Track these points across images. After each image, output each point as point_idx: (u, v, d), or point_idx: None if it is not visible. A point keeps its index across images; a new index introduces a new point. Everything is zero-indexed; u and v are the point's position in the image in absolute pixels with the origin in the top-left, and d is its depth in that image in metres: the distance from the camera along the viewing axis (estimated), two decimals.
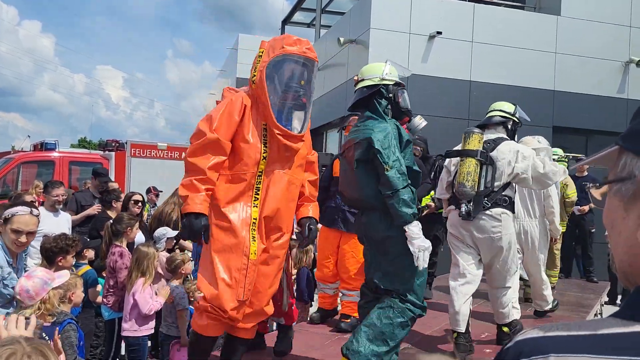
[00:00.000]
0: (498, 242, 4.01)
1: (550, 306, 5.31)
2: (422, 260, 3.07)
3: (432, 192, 5.35)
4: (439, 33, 10.60)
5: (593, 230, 8.20)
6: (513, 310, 4.21)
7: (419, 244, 3.07)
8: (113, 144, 12.66)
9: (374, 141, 3.12)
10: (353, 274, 4.70)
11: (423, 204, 5.22)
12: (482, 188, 3.96)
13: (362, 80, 3.50)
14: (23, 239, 3.32)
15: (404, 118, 3.53)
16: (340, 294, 5.02)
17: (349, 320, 4.72)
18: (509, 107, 4.42)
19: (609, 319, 0.68)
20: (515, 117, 4.35)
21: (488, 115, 4.45)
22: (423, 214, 5.08)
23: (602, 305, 7.01)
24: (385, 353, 3.05)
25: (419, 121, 4.69)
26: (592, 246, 8.50)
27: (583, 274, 8.51)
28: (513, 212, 4.14)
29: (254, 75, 3.20)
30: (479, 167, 3.94)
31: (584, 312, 5.93)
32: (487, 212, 3.98)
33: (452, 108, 10.25)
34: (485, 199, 3.98)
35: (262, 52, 3.23)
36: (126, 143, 12.67)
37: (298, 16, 18.75)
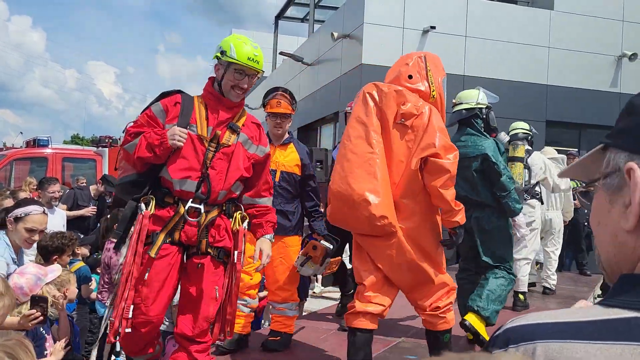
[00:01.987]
0: (532, 224, 5.58)
1: (554, 284, 6.61)
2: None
3: None
4: (433, 28, 10.60)
5: (587, 224, 8.25)
6: (526, 280, 5.73)
7: (523, 232, 4.50)
8: (106, 140, 12.63)
9: (490, 157, 4.09)
10: (283, 284, 4.07)
11: None
12: (524, 185, 5.30)
13: (460, 103, 4.37)
14: (36, 237, 3.41)
15: (492, 134, 4.36)
16: (269, 307, 4.38)
17: (279, 339, 4.06)
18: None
19: (595, 306, 0.69)
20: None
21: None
22: None
23: (595, 298, 7.06)
24: (499, 310, 4.11)
25: (504, 136, 5.49)
26: (586, 240, 8.56)
27: (576, 267, 8.56)
28: (542, 202, 5.92)
29: (434, 90, 3.36)
30: (522, 170, 5.07)
31: None
32: (527, 202, 5.50)
33: (446, 102, 10.24)
34: (525, 193, 5.43)
35: (429, 67, 3.41)
36: (119, 139, 12.63)
37: (292, 11, 18.70)
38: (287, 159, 4.03)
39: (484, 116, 4.31)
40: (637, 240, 0.69)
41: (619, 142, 0.73)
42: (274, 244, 3.44)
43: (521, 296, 5.59)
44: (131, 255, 2.77)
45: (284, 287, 4.06)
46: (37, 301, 2.83)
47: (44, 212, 3.48)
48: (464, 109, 4.31)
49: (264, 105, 4.11)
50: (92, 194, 6.91)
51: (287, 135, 4.14)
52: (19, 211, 3.34)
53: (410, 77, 3.28)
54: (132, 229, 2.88)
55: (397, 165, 3.09)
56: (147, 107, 3.00)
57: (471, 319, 3.93)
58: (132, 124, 3.01)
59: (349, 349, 3.20)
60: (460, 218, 3.22)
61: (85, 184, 7.93)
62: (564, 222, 6.84)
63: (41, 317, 2.79)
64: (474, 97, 4.33)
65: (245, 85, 2.90)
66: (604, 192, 0.74)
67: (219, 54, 2.91)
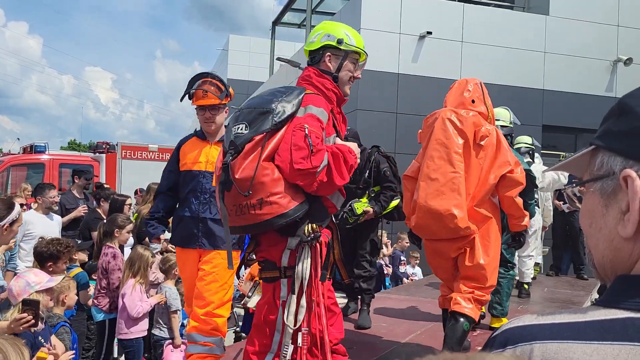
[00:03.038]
0: (533, 225, 6.11)
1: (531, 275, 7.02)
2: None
3: (396, 201, 4.68)
4: (429, 33, 10.65)
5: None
6: (530, 272, 6.48)
7: (530, 232, 5.05)
8: (103, 146, 12.62)
9: (530, 170, 4.38)
10: (214, 309, 3.27)
11: (359, 211, 4.54)
12: None
13: (498, 120, 4.71)
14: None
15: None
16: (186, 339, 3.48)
17: None
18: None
19: (592, 307, 0.70)
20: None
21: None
22: (360, 222, 4.58)
23: (593, 302, 7.06)
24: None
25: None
26: (583, 244, 8.56)
27: (573, 272, 8.57)
28: (539, 207, 6.49)
29: (490, 112, 3.76)
30: None
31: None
32: None
33: (441, 108, 10.27)
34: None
35: (484, 91, 3.85)
36: (117, 145, 12.62)
37: (288, 16, 18.74)
38: None
39: (511, 134, 5.01)
40: (634, 246, 0.70)
41: (613, 145, 0.72)
42: (207, 257, 3.28)
43: (525, 286, 6.47)
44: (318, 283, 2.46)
45: (217, 314, 3.27)
46: (29, 304, 2.76)
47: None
48: (501, 126, 4.72)
49: (189, 96, 3.47)
50: (75, 194, 6.87)
51: (223, 130, 3.40)
52: (12, 215, 3.21)
53: (473, 101, 3.71)
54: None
55: (473, 180, 3.51)
56: (306, 114, 2.44)
57: (499, 323, 4.73)
58: (309, 135, 2.37)
59: (447, 334, 3.50)
60: (526, 222, 3.69)
61: (67, 188, 7.92)
62: (544, 227, 7.24)
63: (32, 321, 2.74)
64: (508, 117, 5.09)
65: (359, 75, 2.71)
66: (598, 195, 0.73)
67: (334, 43, 2.63)
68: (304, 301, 2.42)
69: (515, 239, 3.88)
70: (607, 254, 0.73)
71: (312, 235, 2.42)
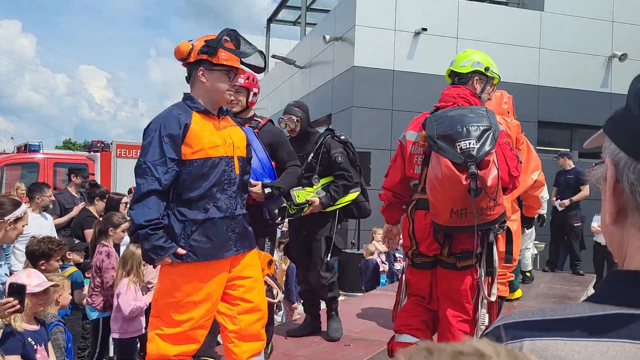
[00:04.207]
0: None
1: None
2: None
3: (354, 194, 4.15)
4: (424, 30, 10.64)
5: (577, 224, 8.28)
6: (530, 262, 7.01)
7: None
8: (98, 145, 12.56)
9: None
10: (259, 319, 2.89)
11: (301, 199, 3.88)
12: None
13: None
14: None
15: None
16: None
17: None
18: None
19: (582, 303, 0.69)
20: None
21: None
22: (304, 213, 3.95)
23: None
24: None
25: None
26: (581, 240, 8.59)
27: (569, 267, 8.60)
28: None
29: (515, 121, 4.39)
30: None
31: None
32: None
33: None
34: None
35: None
36: (111, 144, 12.58)
37: (283, 14, 18.72)
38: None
39: None
40: (623, 235, 0.69)
41: (610, 131, 0.71)
42: (245, 260, 2.86)
43: (528, 274, 7.04)
44: None
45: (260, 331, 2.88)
46: (15, 289, 2.71)
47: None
48: None
49: (211, 52, 2.69)
50: (72, 193, 6.85)
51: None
52: (18, 212, 3.28)
53: (508, 112, 4.44)
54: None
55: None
56: None
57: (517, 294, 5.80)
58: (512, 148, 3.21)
59: None
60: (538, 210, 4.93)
61: (63, 188, 7.90)
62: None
63: (18, 306, 2.69)
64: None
65: (492, 97, 3.46)
66: (602, 180, 0.72)
67: (482, 69, 3.21)
68: (495, 291, 3.12)
69: (528, 221, 5.11)
70: (607, 240, 0.73)
71: (501, 226, 3.06)
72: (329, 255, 4.11)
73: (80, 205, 6.37)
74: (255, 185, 3.15)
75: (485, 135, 2.76)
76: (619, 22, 11.70)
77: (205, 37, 2.74)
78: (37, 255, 3.95)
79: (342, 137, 4.21)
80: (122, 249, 5.23)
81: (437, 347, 0.49)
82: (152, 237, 2.55)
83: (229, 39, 2.77)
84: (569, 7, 11.47)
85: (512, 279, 5.04)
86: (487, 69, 3.19)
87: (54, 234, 5.41)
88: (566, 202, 8.07)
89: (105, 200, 6.06)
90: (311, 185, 4.01)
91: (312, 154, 4.01)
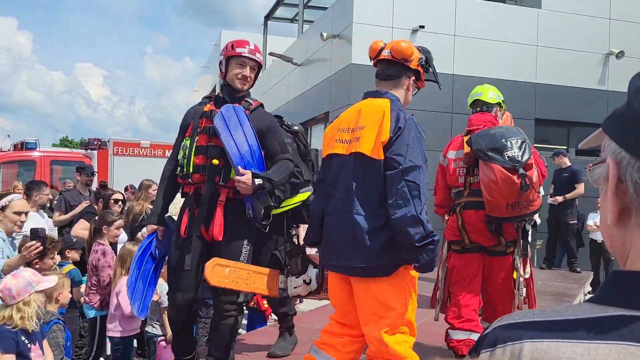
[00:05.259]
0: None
1: None
2: None
3: (305, 194, 3.56)
4: (422, 27, 10.62)
5: (572, 222, 8.29)
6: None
7: None
8: (95, 143, 12.54)
9: None
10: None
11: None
12: None
13: None
14: (23, 218, 3.80)
15: None
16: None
17: None
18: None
19: (584, 304, 0.68)
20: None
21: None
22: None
23: (586, 295, 7.11)
24: None
25: None
26: (578, 237, 8.61)
27: (566, 265, 8.62)
28: None
29: None
30: None
31: (567, 302, 6.01)
32: None
33: (435, 101, 10.29)
34: None
35: None
36: (108, 141, 12.56)
37: (281, 11, 18.66)
38: None
39: None
40: (625, 235, 0.68)
41: (610, 130, 0.69)
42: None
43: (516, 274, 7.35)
44: None
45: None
46: (37, 233, 3.23)
47: (22, 197, 4.02)
48: None
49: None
50: (79, 190, 6.86)
51: None
52: (2, 201, 3.70)
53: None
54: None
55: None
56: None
57: None
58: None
59: None
60: None
61: (72, 186, 7.89)
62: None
63: (41, 248, 3.23)
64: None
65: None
66: (601, 179, 0.71)
67: (502, 102, 4.14)
68: (530, 269, 3.84)
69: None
70: (607, 240, 0.72)
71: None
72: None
73: (85, 203, 6.37)
74: (243, 175, 2.85)
75: (524, 145, 3.58)
76: (616, 20, 11.70)
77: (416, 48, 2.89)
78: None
79: (295, 128, 3.80)
80: (119, 247, 5.22)
81: None
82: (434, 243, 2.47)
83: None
84: (566, 4, 11.46)
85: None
86: (504, 101, 4.20)
87: (52, 232, 5.41)
88: (559, 198, 8.09)
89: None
90: None
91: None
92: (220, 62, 3.29)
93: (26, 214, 3.86)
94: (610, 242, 0.71)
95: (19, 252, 4.09)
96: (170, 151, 3.36)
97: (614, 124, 0.69)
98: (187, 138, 3.14)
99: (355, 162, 2.49)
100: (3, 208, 3.69)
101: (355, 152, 2.51)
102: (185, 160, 3.07)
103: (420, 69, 2.79)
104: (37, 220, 5.45)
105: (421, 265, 2.45)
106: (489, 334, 0.70)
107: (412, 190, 2.37)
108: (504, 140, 3.58)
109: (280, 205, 3.41)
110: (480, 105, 4.09)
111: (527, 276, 3.85)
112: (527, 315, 0.70)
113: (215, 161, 3.00)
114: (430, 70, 2.89)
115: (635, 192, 0.65)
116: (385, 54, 2.77)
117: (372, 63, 2.87)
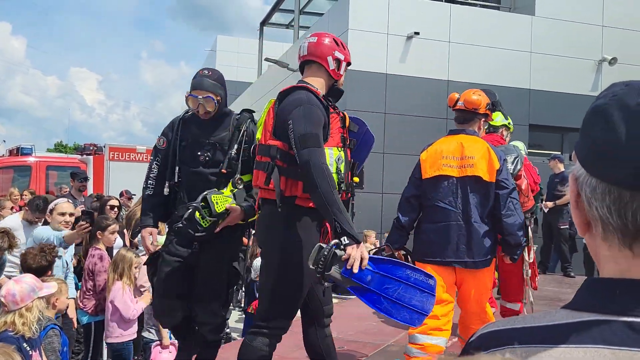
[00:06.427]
0: None
1: None
2: None
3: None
4: (417, 33, 10.69)
5: (563, 227, 8.33)
6: None
7: None
8: (91, 148, 12.53)
9: None
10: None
11: (220, 208, 2.85)
12: None
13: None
14: (67, 217, 4.38)
15: None
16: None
17: None
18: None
19: (560, 310, 0.71)
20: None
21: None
22: (219, 227, 2.94)
23: None
24: None
25: None
26: (571, 242, 8.65)
27: (560, 269, 8.66)
28: None
29: None
30: None
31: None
32: None
33: (429, 107, 10.35)
34: None
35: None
36: (104, 146, 12.54)
37: (276, 17, 18.73)
38: None
39: None
40: (595, 246, 0.72)
41: (576, 147, 0.74)
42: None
43: None
44: None
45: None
46: (87, 214, 4.18)
47: (67, 201, 4.70)
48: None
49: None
50: (74, 195, 6.86)
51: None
52: (50, 205, 4.42)
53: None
54: None
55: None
56: None
57: None
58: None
59: None
60: None
61: (67, 191, 7.88)
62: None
63: (89, 227, 4.12)
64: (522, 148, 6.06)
65: None
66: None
67: (507, 124, 4.70)
68: (532, 255, 4.41)
69: None
70: (588, 248, 0.76)
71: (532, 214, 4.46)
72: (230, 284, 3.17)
73: (79, 207, 6.38)
74: None
75: (517, 160, 4.03)
76: (609, 27, 11.81)
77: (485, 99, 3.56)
78: (35, 269, 3.83)
79: None
80: (115, 252, 5.23)
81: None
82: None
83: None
84: (559, 11, 11.56)
85: None
86: (510, 123, 4.78)
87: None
88: (550, 204, 8.15)
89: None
90: (226, 186, 3.01)
91: (235, 147, 3.04)
92: (340, 62, 3.01)
93: (71, 214, 4.42)
94: (589, 249, 0.76)
95: (23, 270, 4.08)
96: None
97: (578, 141, 0.74)
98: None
99: (470, 183, 3.25)
100: (51, 211, 4.39)
101: (471, 175, 3.25)
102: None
103: (488, 112, 3.59)
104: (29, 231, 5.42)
105: (514, 258, 3.46)
106: (474, 341, 0.74)
107: (515, 204, 3.29)
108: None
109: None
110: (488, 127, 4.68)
111: (530, 260, 4.39)
112: (509, 323, 0.73)
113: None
114: (498, 109, 4.26)
115: (589, 205, 0.69)
116: (459, 104, 3.51)
117: (451, 109, 3.59)
